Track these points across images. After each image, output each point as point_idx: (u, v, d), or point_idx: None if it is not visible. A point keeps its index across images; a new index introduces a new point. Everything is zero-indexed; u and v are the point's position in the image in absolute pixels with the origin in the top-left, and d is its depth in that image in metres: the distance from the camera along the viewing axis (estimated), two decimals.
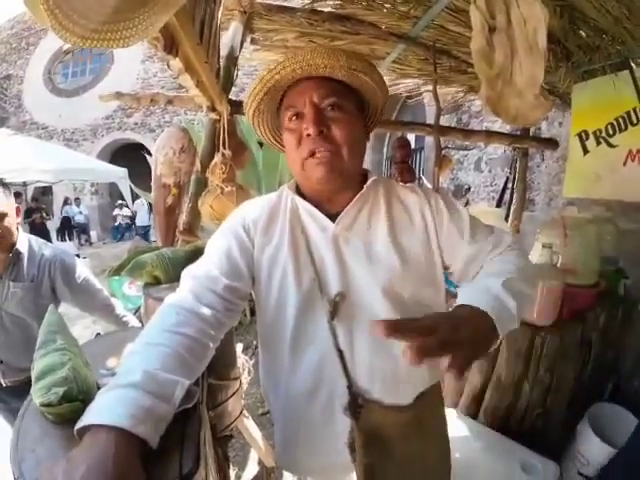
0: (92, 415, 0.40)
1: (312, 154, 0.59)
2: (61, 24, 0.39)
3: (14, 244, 1.20)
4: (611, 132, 1.81)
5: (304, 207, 0.66)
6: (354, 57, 0.58)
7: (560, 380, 1.35)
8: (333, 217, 0.64)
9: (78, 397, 0.47)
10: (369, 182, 0.65)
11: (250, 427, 1.33)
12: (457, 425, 1.37)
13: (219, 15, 1.06)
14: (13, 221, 1.19)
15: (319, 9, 1.54)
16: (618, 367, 1.45)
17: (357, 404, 0.61)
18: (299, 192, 0.68)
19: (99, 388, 0.51)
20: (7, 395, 1.27)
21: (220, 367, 0.97)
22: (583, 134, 1.93)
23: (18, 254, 1.22)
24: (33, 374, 0.51)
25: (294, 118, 0.61)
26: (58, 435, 0.46)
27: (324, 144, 0.58)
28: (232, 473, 1.56)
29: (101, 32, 0.43)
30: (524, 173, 2.32)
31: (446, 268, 0.69)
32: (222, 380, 0.99)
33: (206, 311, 0.56)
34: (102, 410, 0.40)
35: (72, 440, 0.40)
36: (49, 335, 0.57)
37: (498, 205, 2.77)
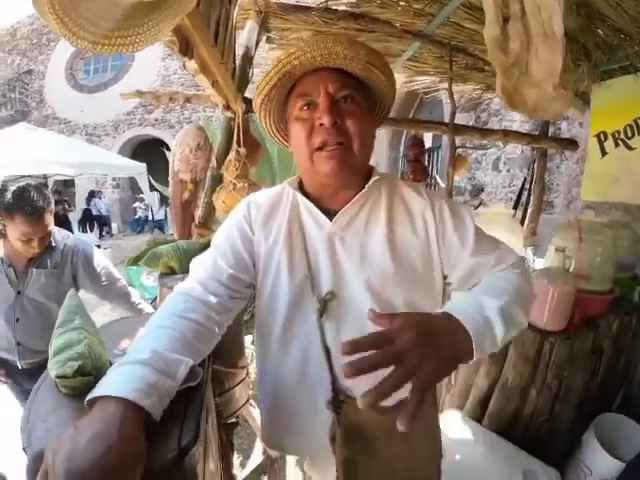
0: (102, 388, 0.43)
1: (323, 146, 0.58)
2: (71, 31, 0.41)
3: (51, 242, 1.30)
4: (630, 134, 1.74)
5: (304, 203, 0.66)
6: (372, 52, 0.59)
7: (568, 387, 1.31)
8: (334, 214, 0.64)
9: (91, 372, 0.51)
10: (371, 181, 0.64)
11: (256, 417, 1.37)
12: (461, 428, 1.36)
13: (235, 15, 1.09)
14: (52, 225, 1.27)
15: (334, 7, 1.55)
16: (629, 377, 1.41)
17: (339, 400, 0.62)
18: (301, 188, 0.68)
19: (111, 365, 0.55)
20: (22, 377, 1.33)
21: (228, 355, 1.01)
22: (602, 135, 1.87)
23: (49, 245, 1.30)
24: (51, 350, 0.55)
25: (305, 107, 0.60)
26: (70, 406, 0.49)
27: (337, 136, 0.57)
28: (237, 461, 1.61)
29: (111, 37, 0.45)
30: (542, 174, 2.25)
31: (444, 277, 0.67)
32: (230, 368, 1.03)
33: (212, 299, 0.60)
34: (111, 384, 0.43)
35: (82, 411, 0.43)
36: (68, 316, 0.61)
37: (515, 207, 2.68)
